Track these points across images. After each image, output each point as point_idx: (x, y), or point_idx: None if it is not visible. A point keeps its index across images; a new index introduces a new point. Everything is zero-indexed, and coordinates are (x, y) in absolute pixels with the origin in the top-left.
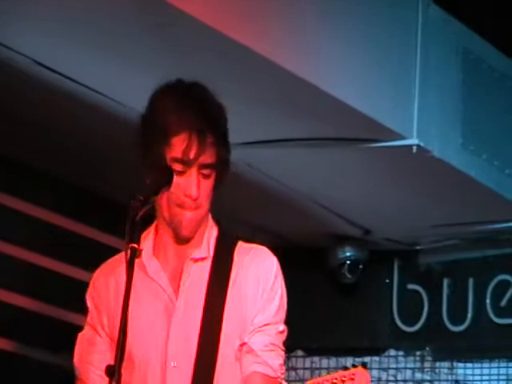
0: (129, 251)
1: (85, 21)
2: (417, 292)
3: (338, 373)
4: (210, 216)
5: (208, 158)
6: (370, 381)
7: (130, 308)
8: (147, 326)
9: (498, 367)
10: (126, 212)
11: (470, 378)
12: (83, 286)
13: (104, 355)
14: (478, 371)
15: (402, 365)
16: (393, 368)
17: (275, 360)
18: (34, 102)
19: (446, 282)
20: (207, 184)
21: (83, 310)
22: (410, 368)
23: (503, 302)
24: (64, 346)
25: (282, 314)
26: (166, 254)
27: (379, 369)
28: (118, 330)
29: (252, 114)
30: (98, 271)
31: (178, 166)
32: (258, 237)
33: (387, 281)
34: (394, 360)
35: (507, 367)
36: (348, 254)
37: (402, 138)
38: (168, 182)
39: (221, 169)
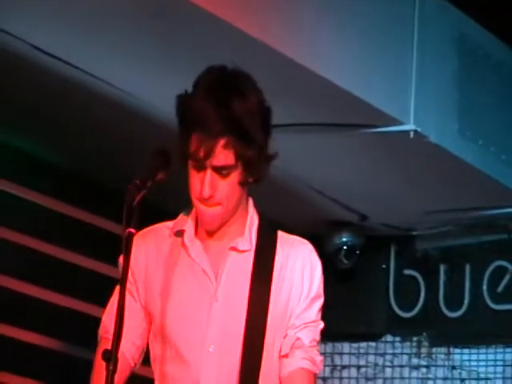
0: (126, 236)
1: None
2: (413, 278)
3: None
4: (250, 203)
5: (221, 160)
6: None
7: (171, 287)
8: (187, 307)
9: (495, 353)
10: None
11: (467, 363)
12: (83, 273)
13: (139, 323)
14: (474, 357)
15: (398, 350)
16: (389, 353)
17: (318, 356)
18: (34, 88)
19: (442, 267)
20: (226, 183)
21: (83, 296)
22: (407, 353)
23: (500, 288)
24: (62, 331)
25: (321, 313)
26: (207, 237)
27: (376, 354)
28: (115, 314)
29: None
30: (137, 238)
31: (194, 163)
32: None
33: (384, 266)
34: (390, 345)
35: (504, 353)
36: (344, 239)
37: (399, 123)
38: (165, 167)
39: (246, 167)
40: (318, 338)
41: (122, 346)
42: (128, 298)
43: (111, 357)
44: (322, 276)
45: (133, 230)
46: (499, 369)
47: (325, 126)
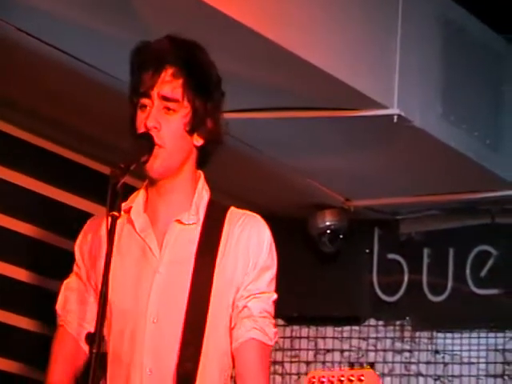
0: (109, 219)
1: None
2: (397, 262)
3: (345, 370)
4: (201, 180)
5: (168, 88)
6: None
7: (114, 262)
8: (130, 281)
9: (478, 337)
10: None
11: (450, 348)
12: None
13: (89, 306)
14: (457, 341)
15: (381, 334)
16: (373, 337)
17: (271, 328)
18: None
19: (426, 251)
20: (170, 120)
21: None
22: (390, 337)
23: (483, 273)
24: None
25: (274, 284)
26: (155, 212)
27: (359, 338)
28: (99, 295)
29: (232, 83)
30: (89, 223)
31: (142, 101)
32: (236, 206)
33: (367, 250)
34: (373, 329)
35: (487, 337)
36: (328, 223)
37: (383, 107)
38: (149, 150)
39: (193, 112)
40: (269, 309)
41: (74, 331)
42: (77, 282)
43: (94, 339)
44: (272, 247)
45: (116, 214)
46: (482, 353)
47: (308, 110)
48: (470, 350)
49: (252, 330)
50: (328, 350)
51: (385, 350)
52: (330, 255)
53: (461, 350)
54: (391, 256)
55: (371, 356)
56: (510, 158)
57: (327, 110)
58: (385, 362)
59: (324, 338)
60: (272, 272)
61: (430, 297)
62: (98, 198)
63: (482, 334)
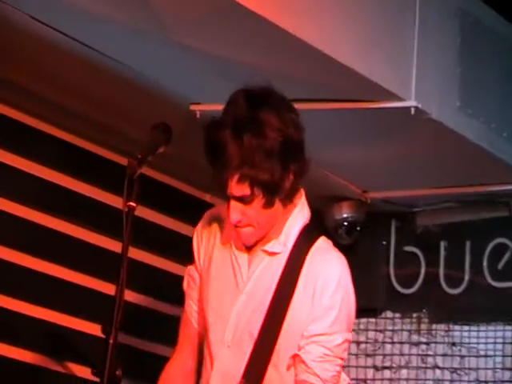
0: (126, 209)
1: None
2: (414, 254)
3: None
4: (299, 205)
5: (238, 191)
6: None
7: (211, 275)
8: (219, 300)
9: (495, 330)
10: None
11: (467, 340)
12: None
13: (197, 290)
14: (474, 334)
15: (398, 327)
16: (389, 330)
17: (327, 372)
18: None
19: (443, 244)
20: (251, 209)
21: (75, 265)
22: (407, 330)
23: (500, 265)
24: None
25: (345, 324)
26: None
27: (375, 330)
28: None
29: (248, 74)
30: (205, 217)
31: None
32: None
33: (384, 242)
34: (390, 322)
35: (504, 330)
36: (345, 215)
37: (401, 99)
38: (165, 141)
39: (265, 191)
40: (331, 352)
41: (194, 318)
42: (194, 272)
43: (110, 330)
44: (339, 286)
45: (133, 204)
46: (499, 346)
47: (325, 102)
48: (486, 343)
49: (305, 372)
50: None
51: (401, 343)
52: (346, 247)
53: (477, 343)
54: (408, 248)
55: (388, 348)
56: None
57: (344, 101)
58: (401, 354)
59: None
60: (335, 312)
61: (447, 289)
62: (115, 189)
63: (499, 327)
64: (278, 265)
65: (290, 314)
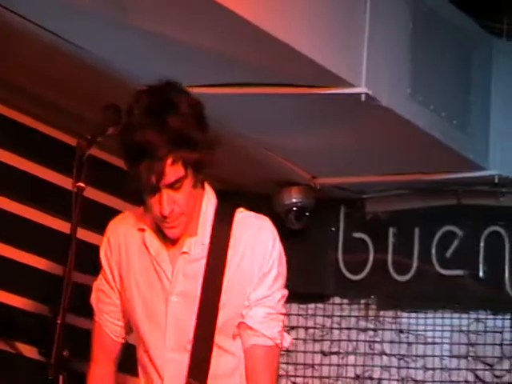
0: (75, 190)
1: None
2: (362, 240)
3: None
4: (205, 193)
5: (172, 176)
6: None
7: (136, 280)
8: (148, 305)
9: (442, 317)
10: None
11: (414, 327)
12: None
13: (118, 307)
14: (422, 321)
15: (346, 313)
16: (337, 316)
17: (273, 329)
18: None
19: (391, 231)
20: (181, 194)
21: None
22: (355, 316)
23: (448, 253)
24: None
25: (281, 281)
26: (165, 237)
27: (323, 316)
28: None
29: (200, 57)
30: (110, 229)
31: (148, 190)
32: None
33: (333, 228)
34: (338, 308)
35: (451, 318)
36: (294, 200)
37: (351, 85)
38: (115, 122)
39: (195, 170)
40: (274, 310)
41: (108, 328)
42: (105, 285)
43: (58, 311)
44: (273, 251)
45: (82, 185)
46: (446, 333)
47: (276, 87)
48: (434, 331)
49: (252, 337)
50: (292, 327)
51: (349, 329)
52: (295, 232)
53: (425, 330)
54: (357, 234)
55: (335, 334)
56: (477, 139)
57: (295, 86)
58: (349, 340)
59: (288, 315)
60: (274, 273)
61: (395, 276)
62: (64, 169)
63: (447, 315)
64: (199, 267)
65: (224, 298)
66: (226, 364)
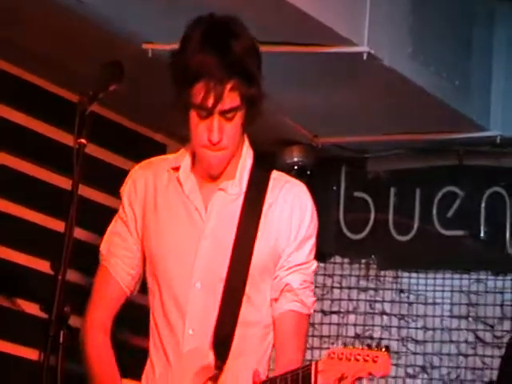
0: (76, 146)
1: None
2: (364, 200)
3: (362, 349)
4: (245, 145)
5: (228, 103)
6: (390, 368)
7: (164, 222)
8: (177, 243)
9: (443, 278)
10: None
11: (415, 287)
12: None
13: (134, 254)
14: (422, 281)
15: (346, 272)
16: (338, 275)
17: (310, 298)
18: None
19: (392, 190)
20: (231, 126)
21: (24, 201)
22: (355, 275)
23: (449, 214)
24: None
25: (314, 252)
26: (202, 174)
27: (324, 275)
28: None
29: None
30: (138, 169)
31: (199, 112)
32: None
33: (334, 188)
34: (339, 267)
35: (452, 278)
36: (296, 159)
37: (354, 44)
38: (117, 79)
39: (249, 107)
40: (309, 278)
41: (118, 275)
42: (123, 228)
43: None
44: (313, 216)
45: (84, 141)
46: (447, 294)
47: (278, 45)
48: (434, 291)
49: (291, 302)
50: None
51: (349, 288)
52: None
53: (426, 291)
54: (358, 194)
55: (336, 293)
56: (479, 100)
57: (297, 45)
58: (349, 299)
59: None
60: (312, 241)
61: (396, 236)
62: (66, 126)
63: (447, 275)
64: (235, 205)
65: (257, 249)
66: (248, 314)
